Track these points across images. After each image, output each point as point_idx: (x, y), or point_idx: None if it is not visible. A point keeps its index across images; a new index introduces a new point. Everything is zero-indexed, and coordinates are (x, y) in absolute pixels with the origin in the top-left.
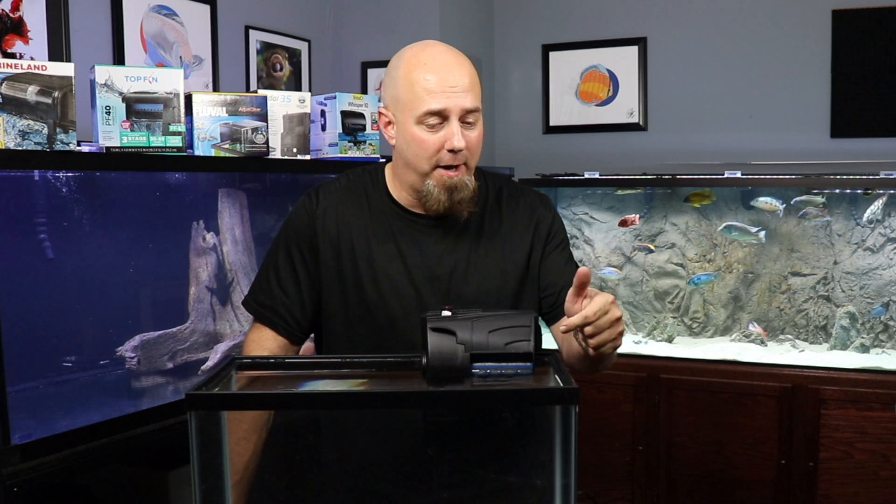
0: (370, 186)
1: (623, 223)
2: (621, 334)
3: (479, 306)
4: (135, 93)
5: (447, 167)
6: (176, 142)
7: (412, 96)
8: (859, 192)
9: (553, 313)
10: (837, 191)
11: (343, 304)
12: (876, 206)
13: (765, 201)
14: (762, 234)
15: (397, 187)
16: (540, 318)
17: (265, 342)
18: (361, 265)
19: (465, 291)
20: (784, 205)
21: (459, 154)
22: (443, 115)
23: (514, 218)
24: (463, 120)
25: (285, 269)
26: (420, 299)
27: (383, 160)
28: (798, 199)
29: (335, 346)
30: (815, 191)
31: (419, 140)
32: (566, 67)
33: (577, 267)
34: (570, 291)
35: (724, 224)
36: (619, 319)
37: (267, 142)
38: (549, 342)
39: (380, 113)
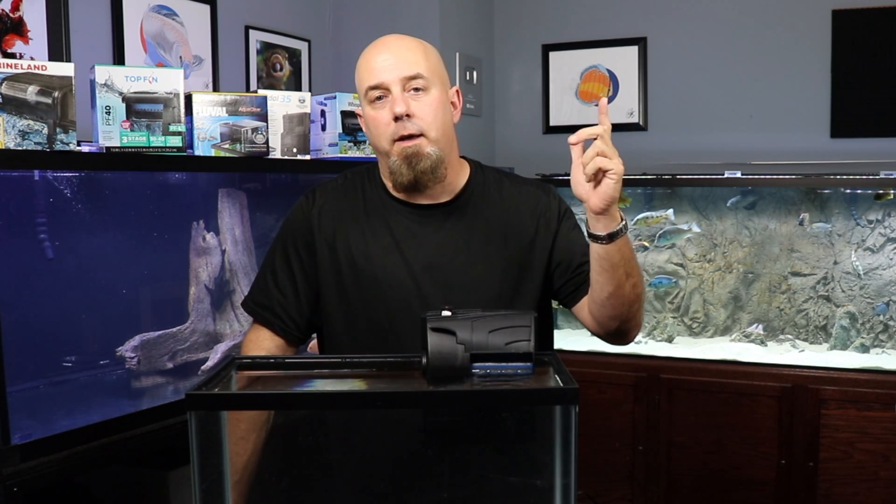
0: (367, 182)
1: None
2: (618, 179)
3: (480, 295)
4: (135, 93)
5: (402, 138)
6: (176, 142)
7: (360, 81)
8: (859, 191)
9: (575, 293)
10: (838, 190)
11: (342, 301)
12: (855, 261)
13: (648, 216)
14: (693, 226)
15: (388, 183)
16: (561, 304)
17: (263, 342)
18: (359, 261)
19: (466, 280)
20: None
21: (410, 122)
22: (383, 88)
23: (516, 205)
24: (409, 88)
25: (283, 270)
26: (419, 290)
27: None
28: (735, 199)
29: (336, 344)
30: (818, 190)
31: (371, 118)
32: (566, 67)
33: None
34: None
35: (657, 236)
36: (616, 157)
37: (267, 142)
38: (563, 338)
39: (357, 115)
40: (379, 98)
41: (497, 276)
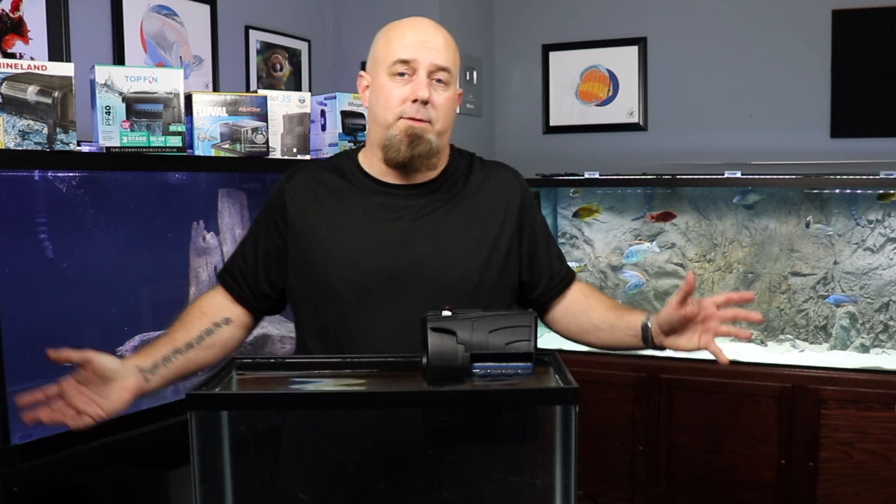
0: (345, 162)
1: (664, 217)
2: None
3: (451, 273)
4: (135, 93)
5: (412, 118)
6: (176, 142)
7: (386, 51)
8: (859, 192)
9: (547, 306)
10: (837, 191)
11: (312, 278)
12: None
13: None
14: (654, 247)
15: (369, 160)
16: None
17: (214, 299)
18: (329, 235)
19: (436, 256)
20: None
21: (425, 109)
22: (412, 67)
23: (490, 187)
24: (433, 78)
25: (250, 239)
26: (389, 265)
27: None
28: (737, 198)
29: (306, 323)
30: (818, 190)
31: (387, 90)
32: (566, 67)
33: (553, 241)
34: (675, 298)
35: (627, 251)
36: None
37: (267, 142)
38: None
39: (360, 77)
40: (401, 73)
41: (474, 260)
